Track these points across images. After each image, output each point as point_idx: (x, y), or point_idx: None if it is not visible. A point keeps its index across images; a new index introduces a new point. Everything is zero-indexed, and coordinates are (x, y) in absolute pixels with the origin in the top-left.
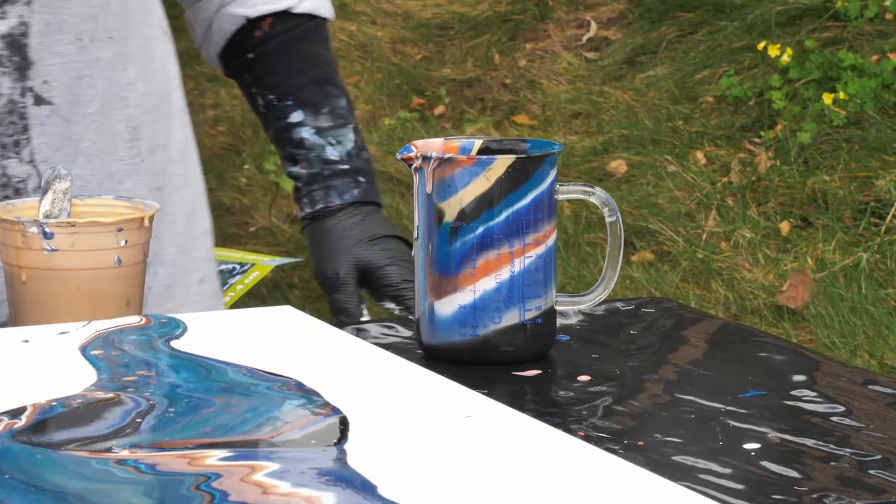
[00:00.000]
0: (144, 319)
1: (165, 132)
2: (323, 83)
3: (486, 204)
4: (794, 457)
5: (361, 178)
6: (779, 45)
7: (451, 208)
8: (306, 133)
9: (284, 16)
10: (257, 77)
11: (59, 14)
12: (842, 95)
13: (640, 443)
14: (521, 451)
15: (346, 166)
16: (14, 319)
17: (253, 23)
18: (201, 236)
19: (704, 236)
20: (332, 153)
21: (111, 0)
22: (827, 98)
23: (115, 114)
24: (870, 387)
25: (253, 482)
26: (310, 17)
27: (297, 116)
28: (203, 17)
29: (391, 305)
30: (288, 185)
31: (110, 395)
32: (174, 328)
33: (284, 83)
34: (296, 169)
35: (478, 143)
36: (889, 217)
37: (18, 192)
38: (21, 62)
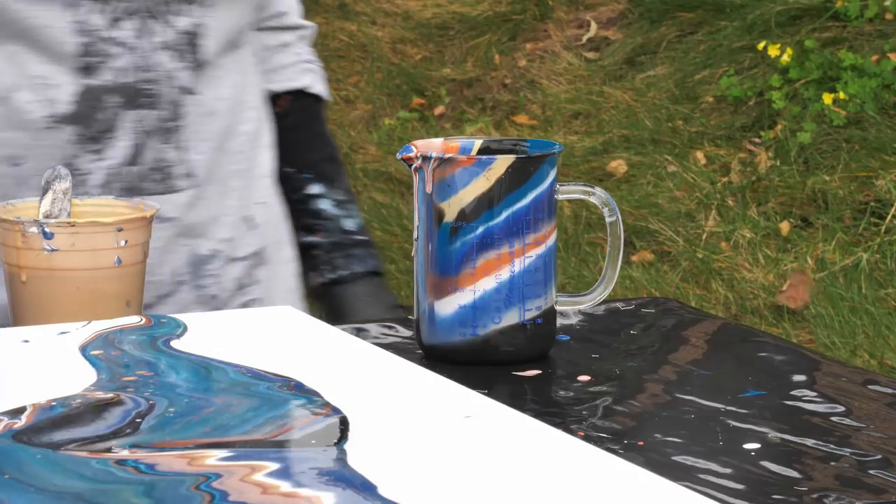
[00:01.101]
0: (144, 319)
1: (269, 133)
2: (333, 160)
3: (486, 204)
4: (794, 457)
5: (373, 251)
6: (779, 45)
7: (451, 208)
8: (326, 204)
9: (300, 94)
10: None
11: (231, 21)
12: (842, 95)
13: (640, 443)
14: (521, 451)
15: (362, 237)
16: (14, 319)
17: (272, 98)
18: (286, 234)
19: (704, 236)
20: (349, 224)
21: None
22: (827, 98)
23: (244, 115)
24: (870, 387)
25: (253, 482)
26: (317, 99)
27: (316, 189)
28: None
29: None
30: None
31: (110, 395)
32: (174, 328)
33: (304, 157)
34: (314, 238)
35: (478, 143)
36: (889, 217)
37: (168, 177)
38: (195, 59)
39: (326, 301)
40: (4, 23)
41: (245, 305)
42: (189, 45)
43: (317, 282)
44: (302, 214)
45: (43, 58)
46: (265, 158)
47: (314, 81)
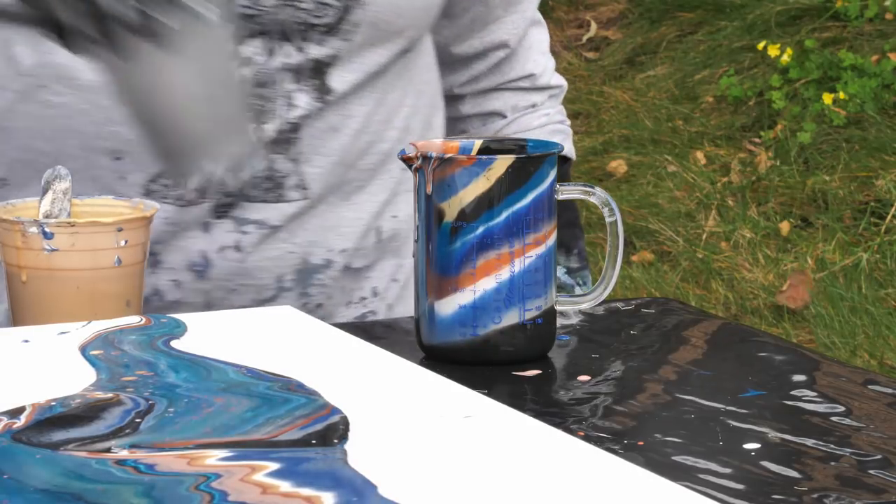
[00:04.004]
0: (144, 319)
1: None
2: (573, 225)
3: (487, 204)
4: (794, 457)
5: None
6: (779, 45)
7: (452, 208)
8: (559, 273)
9: None
10: None
11: (368, 58)
12: (842, 95)
13: (640, 443)
14: (521, 451)
15: None
16: (14, 319)
17: None
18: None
19: (704, 236)
20: (579, 293)
21: (411, 59)
22: (827, 98)
23: (384, 134)
24: (870, 387)
25: (253, 482)
26: (563, 160)
27: None
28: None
29: None
30: None
31: (109, 395)
32: (174, 328)
33: None
34: None
35: (478, 143)
36: (889, 217)
37: (279, 186)
38: (321, 86)
39: None
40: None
41: (360, 318)
42: (315, 71)
43: None
44: None
45: None
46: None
47: (563, 142)
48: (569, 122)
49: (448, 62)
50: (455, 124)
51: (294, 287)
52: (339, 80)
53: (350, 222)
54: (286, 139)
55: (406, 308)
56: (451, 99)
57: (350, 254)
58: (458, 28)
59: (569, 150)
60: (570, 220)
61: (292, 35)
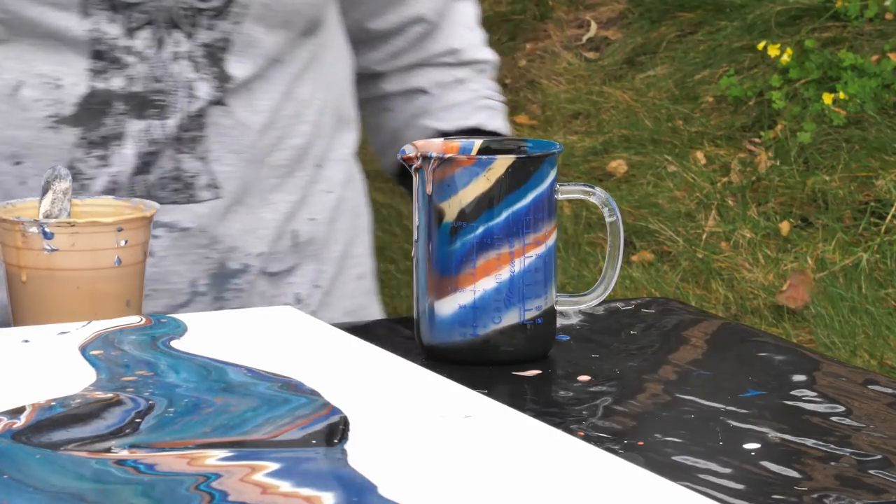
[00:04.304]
0: (144, 319)
1: (340, 148)
2: None
3: (486, 204)
4: (794, 457)
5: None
6: (779, 45)
7: (451, 208)
8: None
9: (473, 133)
10: None
11: (261, 40)
12: (842, 95)
13: (640, 443)
14: (521, 451)
15: None
16: (14, 319)
17: (444, 137)
18: (362, 233)
19: (704, 236)
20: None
21: (310, 40)
22: (827, 98)
23: (295, 129)
24: (870, 387)
25: (253, 482)
26: (495, 135)
27: None
28: (390, 127)
29: None
30: None
31: (109, 395)
32: (174, 328)
33: None
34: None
35: (478, 143)
36: (889, 217)
37: (189, 187)
38: (220, 73)
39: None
40: (17, 23)
41: None
42: (211, 57)
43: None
44: None
45: (53, 58)
46: (330, 174)
47: (490, 118)
48: (501, 98)
49: (365, 39)
50: (378, 103)
51: (209, 292)
52: (238, 66)
53: (265, 224)
54: (192, 137)
55: (331, 315)
56: (373, 77)
57: (266, 258)
58: (371, 4)
59: (500, 126)
60: None
61: (180, 22)
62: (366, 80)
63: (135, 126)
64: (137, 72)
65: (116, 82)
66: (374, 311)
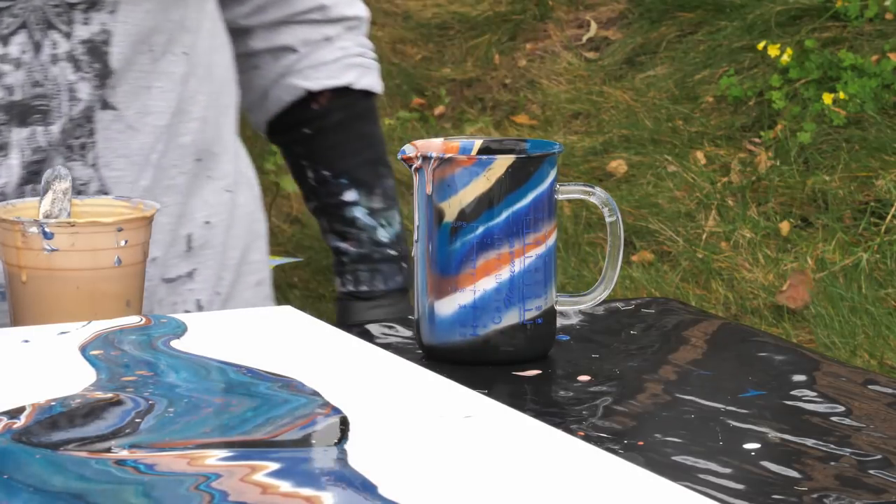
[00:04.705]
0: (144, 319)
1: (225, 139)
2: (376, 163)
3: (486, 204)
4: (794, 457)
5: (404, 265)
6: (779, 45)
7: (451, 208)
8: (359, 213)
9: (343, 91)
10: (312, 151)
11: (139, 26)
12: (842, 95)
13: (640, 443)
14: (521, 451)
15: (394, 252)
16: (14, 319)
17: (311, 95)
18: (258, 239)
19: (704, 236)
20: (382, 235)
21: (187, 17)
22: (827, 98)
23: (182, 127)
24: (870, 387)
25: (253, 482)
26: (365, 94)
27: (351, 196)
28: (259, 85)
29: None
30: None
31: (109, 395)
32: (174, 328)
33: (341, 161)
34: (343, 245)
35: (478, 143)
36: (889, 217)
37: (80, 195)
38: (102, 69)
39: (340, 309)
40: None
41: None
42: (92, 54)
43: (339, 290)
44: (335, 220)
45: None
46: (223, 172)
47: (361, 76)
48: (374, 56)
49: None
50: (246, 60)
51: None
52: (120, 58)
53: (158, 227)
54: (82, 144)
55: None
56: (240, 32)
57: (161, 263)
58: None
59: (370, 83)
60: (372, 158)
61: (55, 21)
62: (234, 35)
63: (18, 135)
64: (15, 79)
65: None
66: None
